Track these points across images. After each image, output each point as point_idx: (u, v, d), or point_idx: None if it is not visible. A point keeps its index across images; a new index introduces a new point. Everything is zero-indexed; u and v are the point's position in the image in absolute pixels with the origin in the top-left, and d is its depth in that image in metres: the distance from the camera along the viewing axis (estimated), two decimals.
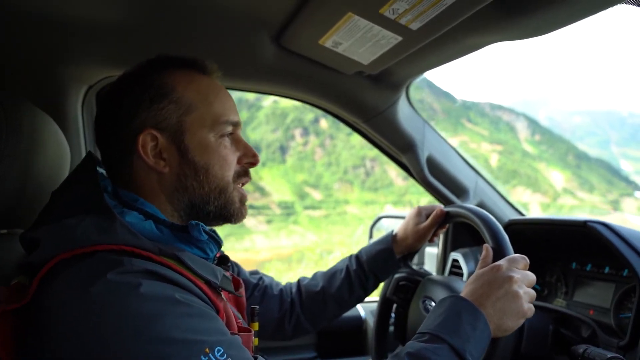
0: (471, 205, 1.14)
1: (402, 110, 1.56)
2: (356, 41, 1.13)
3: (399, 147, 1.63)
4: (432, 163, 1.65)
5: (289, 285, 1.31)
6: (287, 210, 29.97)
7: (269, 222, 28.40)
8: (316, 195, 33.07)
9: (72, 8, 1.07)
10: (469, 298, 0.85)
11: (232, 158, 0.87)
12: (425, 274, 1.32)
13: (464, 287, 0.90)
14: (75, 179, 0.81)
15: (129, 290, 0.62)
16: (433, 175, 1.65)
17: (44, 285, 0.67)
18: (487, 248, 0.97)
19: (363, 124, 1.60)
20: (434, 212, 1.24)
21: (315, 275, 1.32)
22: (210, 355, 0.62)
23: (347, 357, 1.83)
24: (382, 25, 1.04)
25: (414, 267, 1.37)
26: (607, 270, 1.32)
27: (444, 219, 1.23)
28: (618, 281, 1.28)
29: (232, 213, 0.88)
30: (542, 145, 51.40)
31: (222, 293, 0.82)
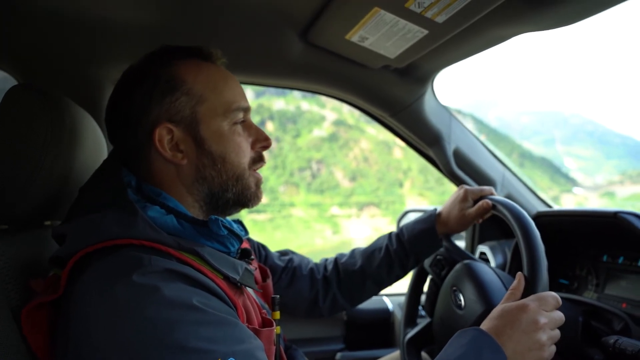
0: (522, 211, 1.01)
1: (429, 103, 1.56)
2: (382, 35, 1.14)
3: (426, 141, 1.64)
4: (458, 155, 1.65)
5: (323, 262, 1.31)
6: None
7: None
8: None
9: (101, 10, 1.10)
10: (492, 334, 0.78)
11: (245, 145, 0.88)
12: (464, 256, 1.25)
13: (486, 318, 0.83)
14: (100, 174, 0.83)
15: (150, 294, 0.64)
16: (460, 167, 1.65)
17: (72, 279, 0.69)
18: (520, 278, 0.89)
19: (390, 118, 1.61)
20: (481, 205, 1.16)
21: (353, 252, 1.30)
22: None
23: (375, 349, 1.85)
24: (408, 19, 1.05)
25: (456, 243, 1.28)
26: None
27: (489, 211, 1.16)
28: None
29: (249, 198, 0.89)
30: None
31: (243, 287, 0.84)
